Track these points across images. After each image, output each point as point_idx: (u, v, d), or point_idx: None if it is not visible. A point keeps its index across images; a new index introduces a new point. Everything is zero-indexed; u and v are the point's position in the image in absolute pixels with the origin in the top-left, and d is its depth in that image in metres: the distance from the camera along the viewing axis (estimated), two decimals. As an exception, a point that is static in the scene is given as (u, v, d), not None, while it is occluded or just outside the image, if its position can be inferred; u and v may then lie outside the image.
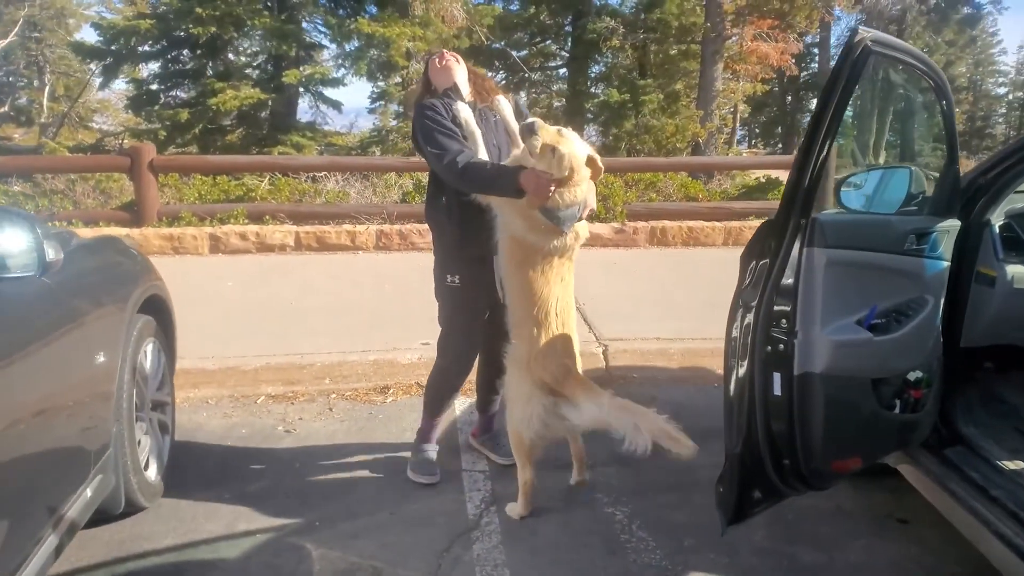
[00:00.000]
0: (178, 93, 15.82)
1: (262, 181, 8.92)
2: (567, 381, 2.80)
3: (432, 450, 3.27)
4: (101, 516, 2.60)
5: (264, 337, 4.85)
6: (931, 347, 2.36)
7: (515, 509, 2.94)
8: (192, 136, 14.16)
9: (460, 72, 3.02)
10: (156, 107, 15.05)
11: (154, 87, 15.83)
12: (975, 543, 2.35)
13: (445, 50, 3.10)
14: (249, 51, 16.36)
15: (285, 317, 5.33)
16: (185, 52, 15.18)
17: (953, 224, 2.37)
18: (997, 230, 2.54)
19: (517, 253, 2.80)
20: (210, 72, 15.00)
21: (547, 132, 2.66)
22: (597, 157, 2.73)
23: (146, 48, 14.93)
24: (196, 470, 3.27)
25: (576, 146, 2.68)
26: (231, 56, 15.74)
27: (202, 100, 13.88)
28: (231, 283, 6.23)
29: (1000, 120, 38.81)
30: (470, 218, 2.90)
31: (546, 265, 2.78)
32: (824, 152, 1.98)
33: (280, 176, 8.91)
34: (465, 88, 3.03)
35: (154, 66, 15.86)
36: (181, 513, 2.93)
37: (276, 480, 3.22)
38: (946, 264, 2.36)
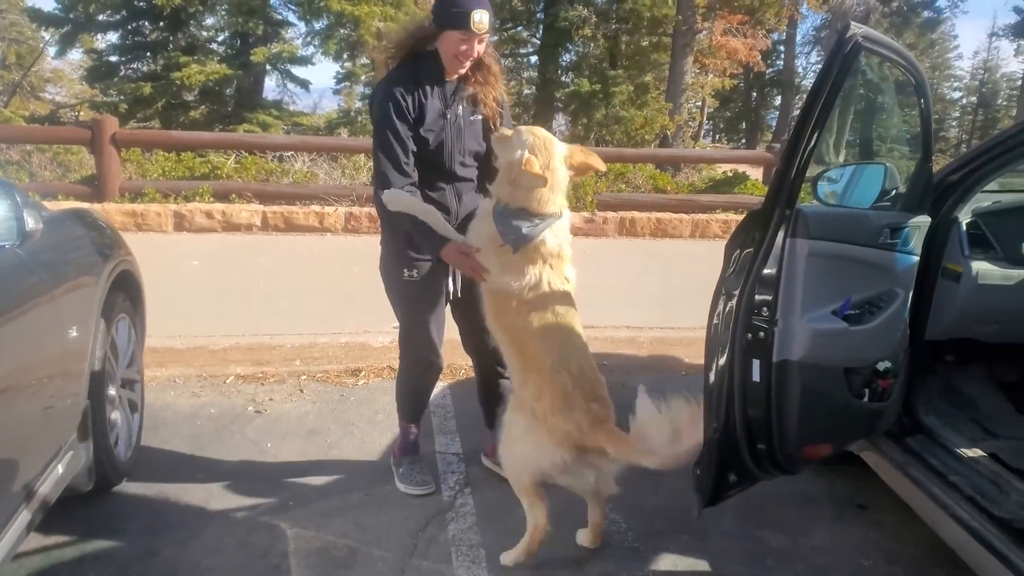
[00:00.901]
0: (139, 66, 15.41)
1: (228, 159, 8.78)
2: (598, 431, 2.33)
3: (418, 460, 3.05)
4: (71, 493, 2.56)
5: (232, 317, 4.80)
6: (899, 339, 2.44)
7: (510, 556, 2.52)
8: (154, 111, 13.83)
9: (472, 48, 2.58)
10: (116, 79, 14.66)
11: (113, 59, 15.39)
12: (933, 526, 2.45)
13: (482, 9, 2.52)
14: (214, 26, 16.01)
15: (253, 297, 5.27)
16: (147, 23, 14.78)
17: (924, 220, 2.45)
18: (964, 227, 2.63)
19: (493, 303, 2.54)
20: (172, 46, 14.65)
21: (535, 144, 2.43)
22: (587, 155, 2.53)
23: (105, 17, 14.50)
24: (165, 450, 3.24)
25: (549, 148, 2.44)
26: (194, 30, 15.38)
27: (166, 74, 13.56)
28: (197, 262, 6.14)
29: (954, 124, 39.83)
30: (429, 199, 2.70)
31: (534, 306, 2.41)
32: (812, 144, 2.03)
33: (247, 154, 8.77)
34: (455, 66, 2.63)
35: (113, 37, 15.40)
36: (151, 492, 2.90)
37: (247, 460, 3.20)
38: (916, 259, 2.44)
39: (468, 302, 2.81)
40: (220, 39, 15.99)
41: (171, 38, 14.83)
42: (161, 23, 14.46)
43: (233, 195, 7.76)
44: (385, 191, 2.59)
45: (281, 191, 8.07)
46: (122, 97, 14.08)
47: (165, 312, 4.53)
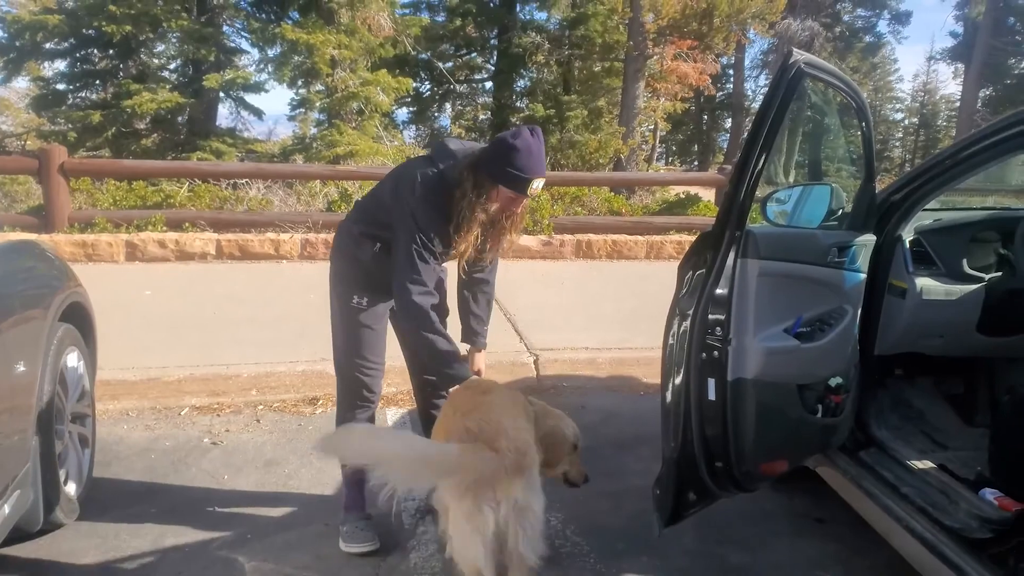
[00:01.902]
0: (88, 94, 15.13)
1: (181, 187, 8.65)
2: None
3: (363, 516, 2.83)
4: (18, 534, 2.48)
5: (187, 348, 4.71)
6: (850, 354, 2.50)
7: None
8: (104, 139, 13.53)
9: (520, 208, 2.62)
10: (64, 108, 14.35)
11: (61, 87, 15.08)
12: (887, 537, 2.50)
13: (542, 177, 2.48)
14: (166, 54, 15.82)
15: (208, 327, 5.18)
16: (95, 51, 14.54)
17: (870, 239, 2.53)
18: (908, 245, 2.72)
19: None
20: (123, 74, 14.43)
21: None
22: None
23: (52, 45, 14.23)
24: (118, 484, 3.15)
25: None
26: (145, 58, 15.18)
27: (116, 102, 13.32)
28: (150, 292, 6.01)
29: (897, 144, 41.13)
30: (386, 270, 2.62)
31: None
32: (759, 167, 2.09)
33: (200, 182, 8.66)
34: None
35: (60, 64, 15.10)
36: (103, 530, 2.82)
37: (204, 493, 3.13)
38: (863, 276, 2.52)
39: None
40: (172, 67, 15.80)
41: (121, 66, 14.60)
42: (111, 51, 14.23)
43: (187, 224, 7.64)
44: (422, 298, 2.53)
45: (236, 219, 7.97)
46: (71, 126, 13.78)
47: (118, 344, 4.43)
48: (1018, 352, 2.91)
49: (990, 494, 2.35)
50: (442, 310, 2.81)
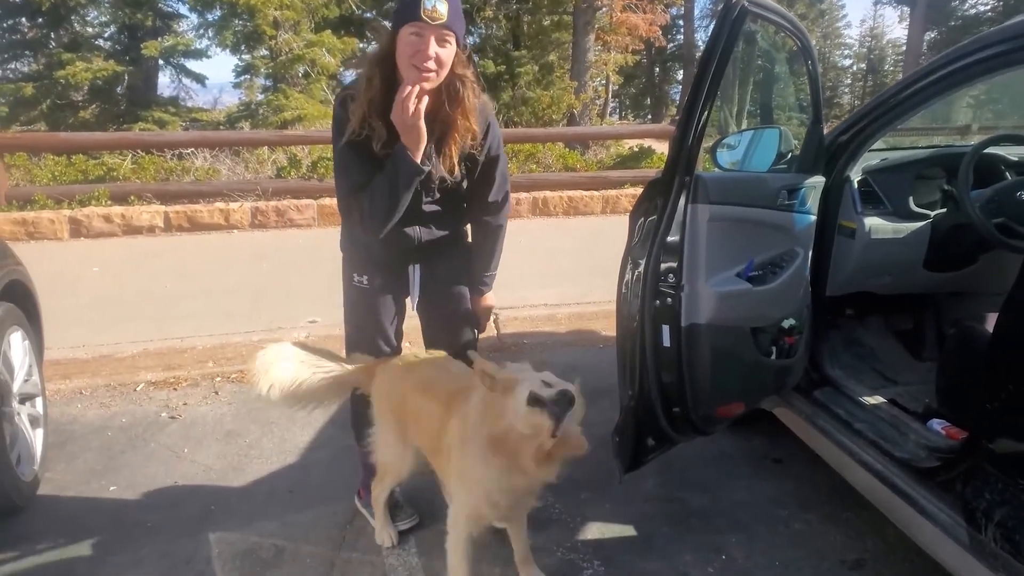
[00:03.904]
0: (18, 66, 14.52)
1: (124, 160, 8.38)
2: None
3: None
4: (-30, 519, 2.42)
5: (139, 323, 4.61)
6: (802, 296, 2.53)
7: None
8: (39, 113, 13.06)
9: (427, 46, 2.04)
10: (-7, 81, 13.78)
11: (-12, 59, 14.46)
12: (842, 472, 2.57)
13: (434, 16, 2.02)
14: (99, 20, 15.21)
15: (160, 301, 5.07)
16: (24, 20, 13.92)
17: (819, 180, 2.55)
18: (856, 185, 2.75)
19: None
20: (54, 43, 13.85)
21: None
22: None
23: (-24, 16, 13.61)
24: (75, 464, 3.09)
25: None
26: (78, 26, 14.57)
27: (48, 73, 12.83)
28: (97, 268, 5.85)
29: (846, 90, 41.59)
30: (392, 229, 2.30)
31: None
32: (707, 112, 2.08)
33: (143, 154, 8.40)
34: (414, 77, 2.06)
35: (-15, 36, 14.45)
36: (61, 510, 2.77)
37: (164, 468, 3.09)
38: (813, 218, 2.54)
39: (431, 305, 2.58)
40: (106, 34, 15.21)
41: (52, 35, 14.01)
42: (40, 19, 13.63)
43: (132, 197, 7.42)
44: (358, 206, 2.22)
45: (183, 190, 7.77)
46: (2, 99, 13.24)
47: (67, 322, 4.33)
48: (962, 287, 2.98)
49: (938, 424, 2.42)
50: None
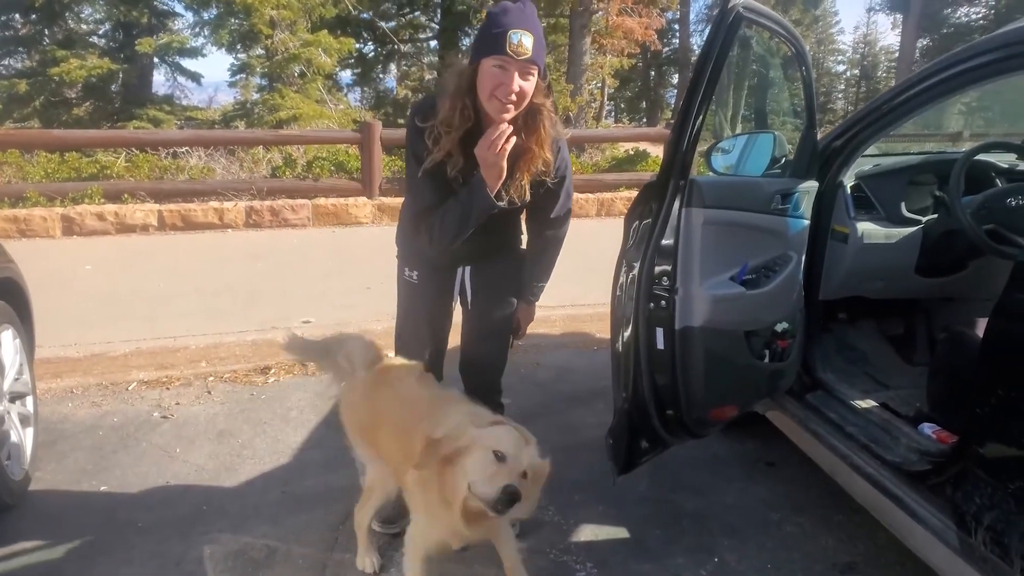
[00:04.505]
0: (12, 62, 14.46)
1: (117, 158, 8.36)
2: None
3: None
4: (-40, 517, 2.41)
5: (132, 321, 4.59)
6: (795, 300, 2.54)
7: None
8: (32, 110, 13.01)
9: (511, 81, 2.04)
10: (-14, 78, 13.71)
11: (-19, 56, 14.40)
12: (834, 476, 2.58)
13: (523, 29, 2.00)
14: (93, 17, 15.15)
15: (153, 300, 5.05)
16: (17, 16, 13.86)
17: (812, 185, 2.56)
18: (849, 191, 2.76)
19: None
20: (48, 40, 13.79)
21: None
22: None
23: (-31, 12, 13.55)
24: (65, 463, 3.08)
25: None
26: (72, 23, 14.52)
27: (43, 70, 12.77)
28: (90, 267, 5.83)
29: (840, 95, 41.76)
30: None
31: None
32: (702, 116, 2.09)
33: (138, 152, 8.38)
34: (496, 109, 2.09)
35: (-22, 32, 14.38)
36: (51, 510, 2.75)
37: (155, 468, 3.08)
38: (807, 223, 2.55)
39: (475, 308, 2.59)
40: (101, 31, 15.17)
41: (46, 31, 13.96)
42: (34, 16, 13.58)
43: (125, 195, 7.40)
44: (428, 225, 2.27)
45: (177, 188, 7.75)
46: (-5, 96, 13.19)
47: (58, 320, 4.31)
48: (953, 292, 3.00)
49: (928, 428, 2.43)
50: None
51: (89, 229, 6.87)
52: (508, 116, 2.08)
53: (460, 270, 2.53)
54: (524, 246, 2.62)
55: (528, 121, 2.16)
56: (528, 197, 2.29)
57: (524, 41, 1.98)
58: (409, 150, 2.26)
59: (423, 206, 2.26)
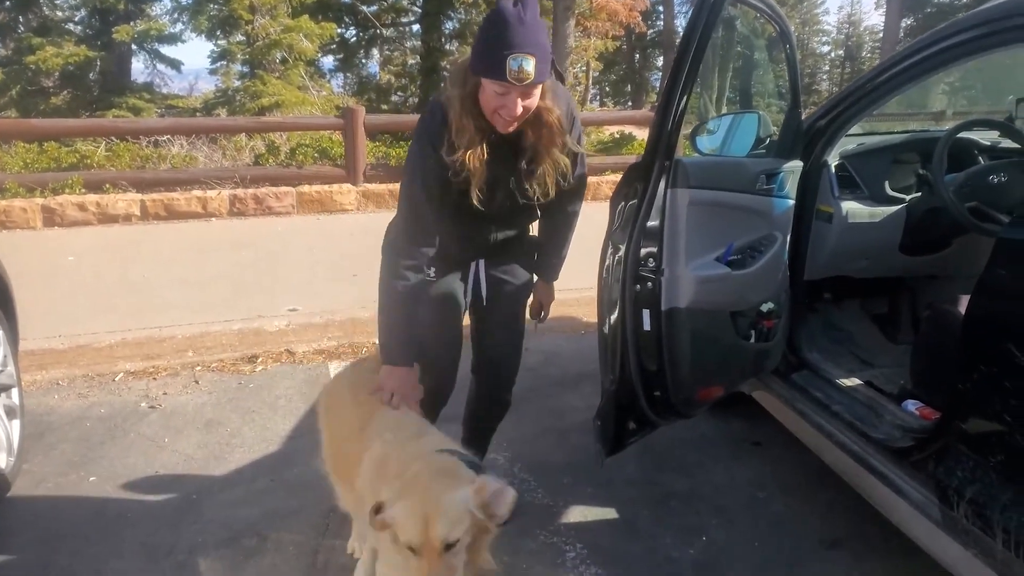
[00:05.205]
0: (-14, 51, 14.24)
1: (98, 147, 8.26)
2: None
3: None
4: (-54, 511, 2.39)
5: (117, 312, 4.56)
6: (780, 280, 2.55)
7: None
8: (9, 99, 12.82)
9: (514, 105, 1.96)
10: (-39, 67, 13.49)
11: (-44, 45, 14.17)
12: (819, 454, 2.61)
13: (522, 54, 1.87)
14: (68, 4, 14.92)
15: (137, 290, 5.01)
16: (-9, 4, 13.65)
17: (797, 165, 2.56)
18: (833, 170, 2.77)
19: None
20: (23, 27, 13.58)
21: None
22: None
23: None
24: (53, 454, 3.06)
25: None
26: (47, 10, 14.30)
27: (18, 58, 12.59)
28: (73, 257, 5.77)
29: (824, 76, 41.82)
30: (459, 231, 2.28)
31: None
32: (686, 97, 2.09)
33: (118, 141, 8.28)
34: (499, 124, 2.02)
35: (-47, 21, 14.14)
36: (39, 500, 2.74)
37: (144, 458, 3.07)
38: (792, 202, 2.55)
39: (492, 302, 2.45)
40: (77, 18, 14.95)
41: (20, 19, 13.74)
42: (7, 3, 13.37)
43: (107, 185, 7.31)
44: (382, 275, 2.18)
45: (159, 178, 7.67)
46: (-30, 86, 13.00)
47: (42, 312, 4.28)
48: (937, 270, 3.03)
49: (912, 405, 2.46)
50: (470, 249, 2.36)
51: (71, 220, 6.79)
52: (514, 127, 2.03)
53: (474, 265, 2.38)
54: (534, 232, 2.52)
55: (535, 123, 2.06)
56: (553, 194, 2.18)
57: (525, 66, 1.87)
58: (424, 139, 2.08)
59: (415, 198, 2.11)
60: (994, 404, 1.81)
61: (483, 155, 2.02)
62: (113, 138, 8.38)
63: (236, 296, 4.91)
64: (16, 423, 2.96)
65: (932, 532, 2.01)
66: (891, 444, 2.24)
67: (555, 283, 2.62)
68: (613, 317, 2.34)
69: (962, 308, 2.10)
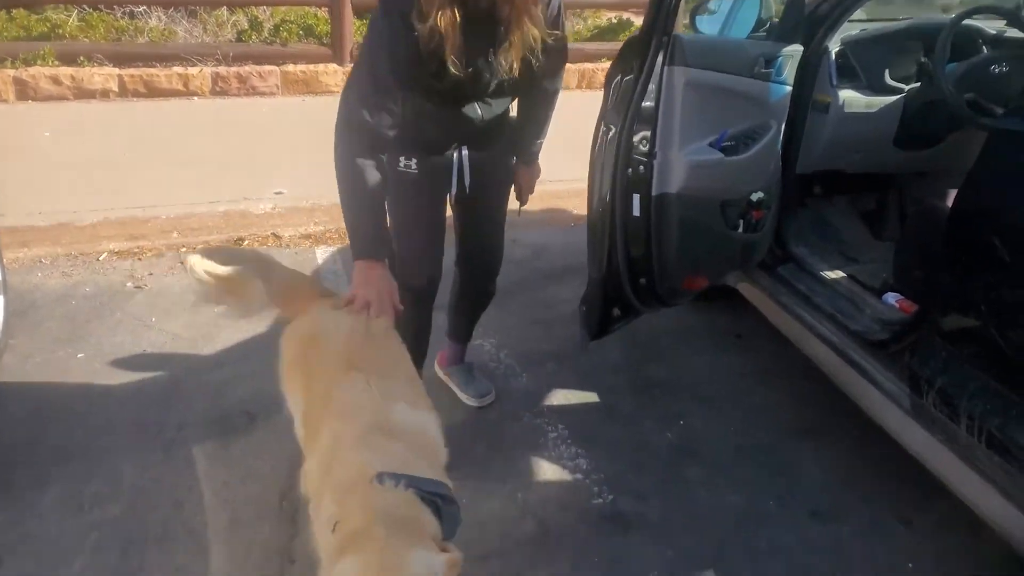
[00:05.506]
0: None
1: (69, 16, 7.86)
2: None
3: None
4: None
5: (98, 190, 4.47)
6: (772, 170, 2.51)
7: None
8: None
9: None
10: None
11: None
12: (800, 345, 2.66)
13: None
14: None
15: (119, 169, 4.90)
16: None
17: (797, 49, 2.46)
18: (833, 57, 2.68)
19: None
20: None
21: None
22: None
23: None
24: (39, 332, 3.07)
25: None
26: None
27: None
28: (49, 133, 5.61)
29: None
30: (439, 114, 2.11)
31: None
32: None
33: (91, 11, 7.88)
34: None
35: None
36: (27, 377, 2.77)
37: (132, 337, 3.08)
38: (789, 89, 2.47)
39: (477, 193, 2.33)
40: None
41: None
42: None
43: (82, 58, 7.01)
44: (340, 157, 1.96)
45: (137, 52, 7.35)
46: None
47: (19, 188, 4.21)
48: (930, 166, 2.99)
49: (892, 298, 2.49)
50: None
51: (45, 93, 6.55)
52: None
53: (456, 153, 2.21)
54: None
55: None
56: (520, 68, 1.99)
57: None
58: (385, 35, 1.89)
59: (381, 88, 1.92)
60: (972, 297, 1.83)
61: (455, 19, 1.82)
62: (85, 7, 7.97)
63: (221, 178, 4.82)
64: (0, 299, 2.96)
65: (901, 420, 2.08)
66: (870, 337, 2.28)
67: (537, 166, 2.53)
68: (603, 201, 2.31)
69: (950, 203, 2.09)
